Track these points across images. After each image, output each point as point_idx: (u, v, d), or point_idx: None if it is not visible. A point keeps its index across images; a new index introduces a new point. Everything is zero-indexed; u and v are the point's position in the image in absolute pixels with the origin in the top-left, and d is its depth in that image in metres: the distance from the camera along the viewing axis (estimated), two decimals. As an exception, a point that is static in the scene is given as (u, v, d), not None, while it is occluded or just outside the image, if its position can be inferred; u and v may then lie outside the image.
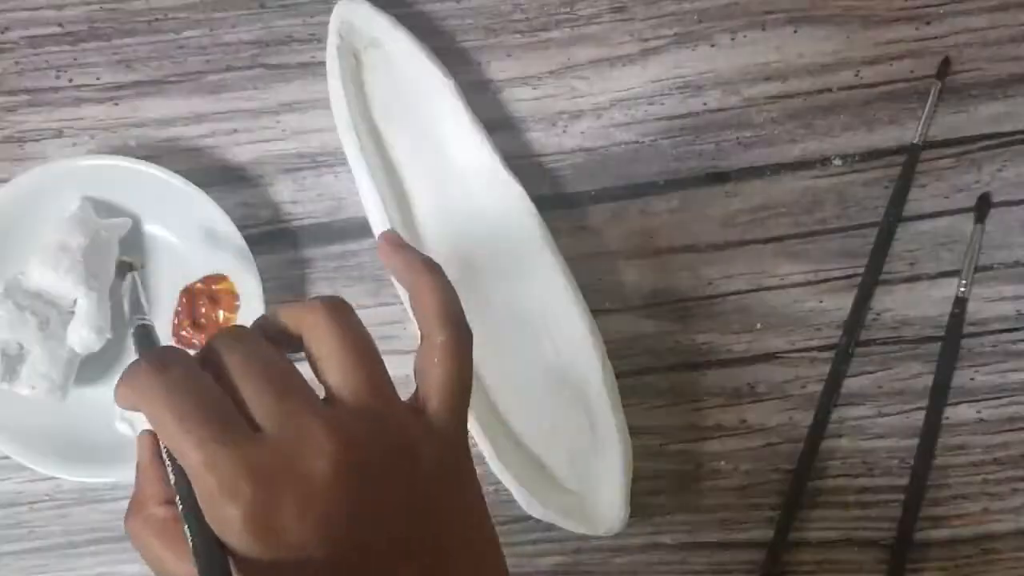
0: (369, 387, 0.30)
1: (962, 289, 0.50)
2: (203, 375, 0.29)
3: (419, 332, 0.33)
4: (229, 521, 0.27)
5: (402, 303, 0.49)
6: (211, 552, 0.27)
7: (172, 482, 0.29)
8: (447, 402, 0.31)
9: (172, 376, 0.28)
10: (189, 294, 0.50)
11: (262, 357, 0.30)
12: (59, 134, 0.51)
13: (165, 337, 0.51)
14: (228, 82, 0.51)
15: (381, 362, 0.31)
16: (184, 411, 0.27)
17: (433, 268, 0.33)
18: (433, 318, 0.32)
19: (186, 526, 0.28)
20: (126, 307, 0.41)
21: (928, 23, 0.51)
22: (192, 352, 0.31)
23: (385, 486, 0.29)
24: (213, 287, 0.50)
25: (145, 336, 0.35)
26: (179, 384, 0.28)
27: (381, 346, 0.50)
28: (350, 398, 0.30)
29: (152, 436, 0.31)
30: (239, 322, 0.50)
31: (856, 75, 0.51)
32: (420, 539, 0.30)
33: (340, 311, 0.31)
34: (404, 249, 0.34)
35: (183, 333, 0.50)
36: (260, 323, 0.32)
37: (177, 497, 0.29)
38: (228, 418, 0.28)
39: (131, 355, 0.50)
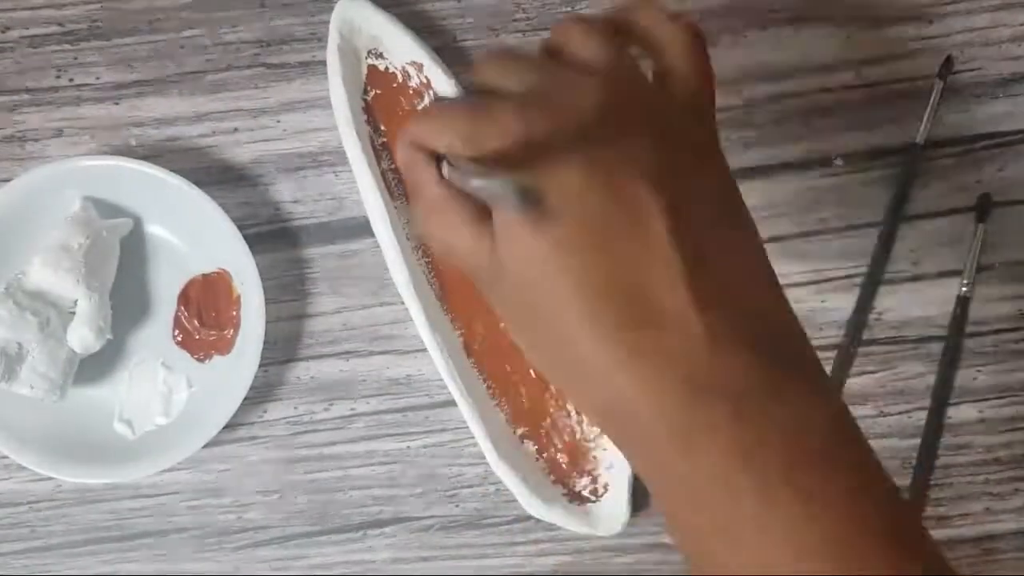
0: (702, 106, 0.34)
1: (964, 288, 0.50)
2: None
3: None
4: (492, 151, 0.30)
5: (402, 303, 0.49)
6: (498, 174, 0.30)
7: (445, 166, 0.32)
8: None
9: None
10: (189, 293, 0.50)
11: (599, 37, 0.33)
12: (59, 134, 0.51)
13: (166, 336, 0.50)
14: (228, 81, 0.51)
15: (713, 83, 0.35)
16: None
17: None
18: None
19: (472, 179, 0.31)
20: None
21: (930, 22, 0.51)
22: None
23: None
24: (213, 286, 0.50)
25: None
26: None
27: (380, 346, 0.51)
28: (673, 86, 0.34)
29: (415, 145, 0.33)
30: (239, 321, 0.50)
31: (857, 75, 0.51)
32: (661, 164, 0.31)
33: (702, 42, 0.34)
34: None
35: (183, 333, 0.50)
36: (610, 17, 0.34)
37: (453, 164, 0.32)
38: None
39: (130, 357, 0.51)
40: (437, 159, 0.33)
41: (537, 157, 0.30)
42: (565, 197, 0.30)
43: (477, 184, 0.31)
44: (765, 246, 0.50)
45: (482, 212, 0.32)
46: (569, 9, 0.50)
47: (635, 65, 0.33)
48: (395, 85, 0.50)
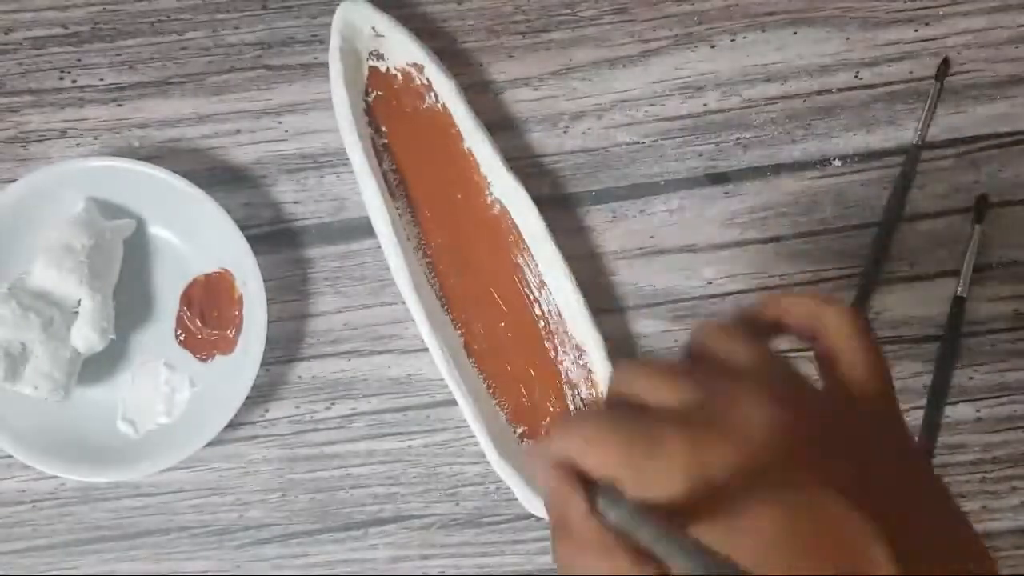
0: (881, 391, 0.31)
1: (960, 289, 0.51)
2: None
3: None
4: (671, 492, 0.26)
5: (403, 303, 0.50)
6: (686, 541, 0.25)
7: (601, 500, 0.27)
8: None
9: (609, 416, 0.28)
10: (192, 293, 0.50)
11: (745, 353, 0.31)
12: (63, 135, 0.51)
13: (168, 335, 0.51)
14: (231, 83, 0.51)
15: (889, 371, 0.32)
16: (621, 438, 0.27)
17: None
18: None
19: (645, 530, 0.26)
20: None
21: (927, 24, 0.51)
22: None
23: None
24: (216, 286, 0.50)
25: None
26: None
27: (381, 346, 0.51)
28: (862, 393, 0.31)
29: (562, 466, 0.29)
30: (241, 321, 0.50)
31: (855, 76, 0.51)
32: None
33: (861, 317, 0.32)
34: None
35: (186, 333, 0.51)
36: (753, 312, 0.33)
37: (615, 510, 0.27)
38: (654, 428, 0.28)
39: (133, 357, 0.51)
40: (584, 482, 0.28)
41: (717, 499, 0.26)
42: (762, 551, 0.26)
43: (655, 545, 0.26)
44: (764, 247, 0.51)
45: (643, 556, 0.26)
46: (569, 11, 0.51)
47: (788, 363, 0.31)
48: (396, 86, 0.50)
